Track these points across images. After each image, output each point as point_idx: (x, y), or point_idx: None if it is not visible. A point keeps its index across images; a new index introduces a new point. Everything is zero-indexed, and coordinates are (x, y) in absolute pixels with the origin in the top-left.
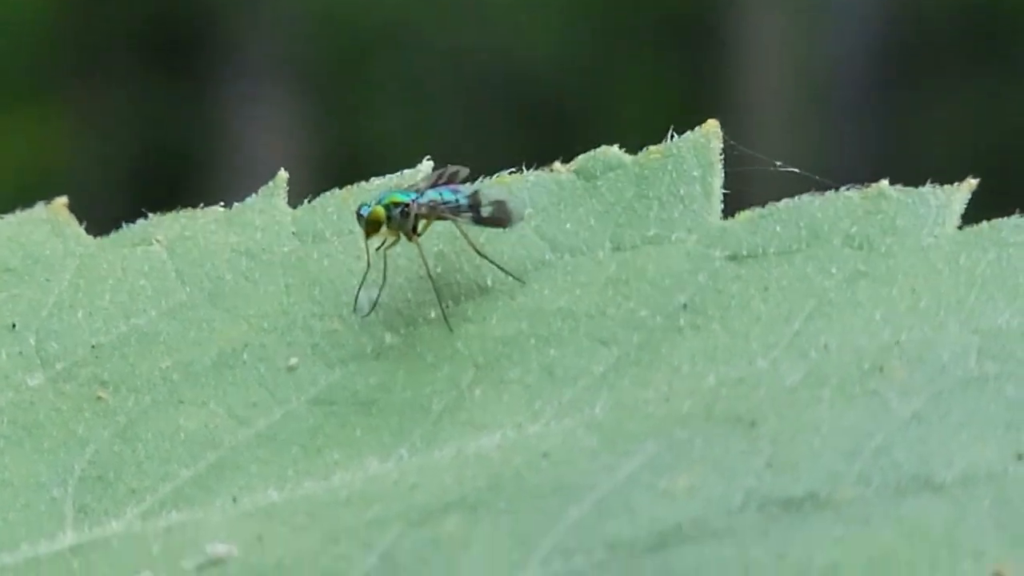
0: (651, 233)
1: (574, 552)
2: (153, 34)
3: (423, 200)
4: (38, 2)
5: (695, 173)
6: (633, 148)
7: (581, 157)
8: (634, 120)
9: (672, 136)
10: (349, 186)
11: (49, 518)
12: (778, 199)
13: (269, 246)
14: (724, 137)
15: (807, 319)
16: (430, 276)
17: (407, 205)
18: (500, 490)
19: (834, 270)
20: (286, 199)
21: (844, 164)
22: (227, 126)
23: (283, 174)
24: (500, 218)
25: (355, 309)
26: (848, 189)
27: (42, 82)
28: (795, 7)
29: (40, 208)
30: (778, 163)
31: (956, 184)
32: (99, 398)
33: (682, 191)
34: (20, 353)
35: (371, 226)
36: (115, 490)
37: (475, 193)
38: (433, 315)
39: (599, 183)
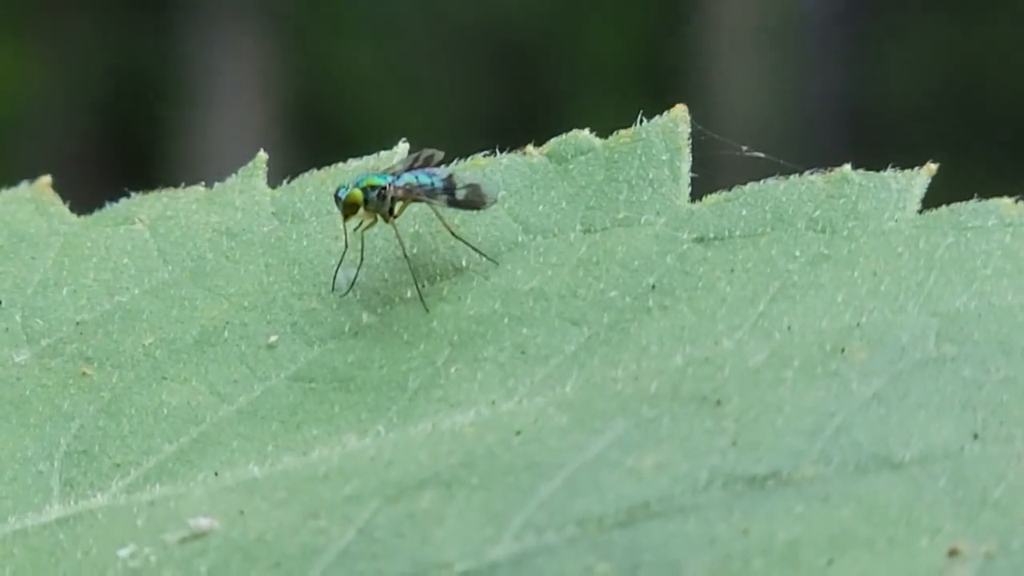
0: (621, 215)
1: (545, 528)
2: None
3: (399, 183)
4: None
5: (663, 157)
6: (604, 91)
7: (553, 140)
8: (602, 59)
9: (641, 120)
10: (327, 167)
11: (36, 491)
12: (744, 182)
13: (249, 226)
14: (691, 122)
15: (771, 301)
16: (406, 256)
17: (384, 188)
18: (473, 467)
19: (798, 253)
20: (265, 180)
21: (809, 96)
22: (196, 59)
23: (262, 155)
24: (474, 201)
25: (333, 288)
26: (812, 173)
27: (10, 13)
28: None
29: (24, 187)
30: (744, 148)
31: (916, 168)
32: (84, 374)
33: (651, 175)
34: (6, 330)
35: (349, 208)
36: (100, 464)
37: (450, 176)
38: (409, 295)
39: (570, 166)
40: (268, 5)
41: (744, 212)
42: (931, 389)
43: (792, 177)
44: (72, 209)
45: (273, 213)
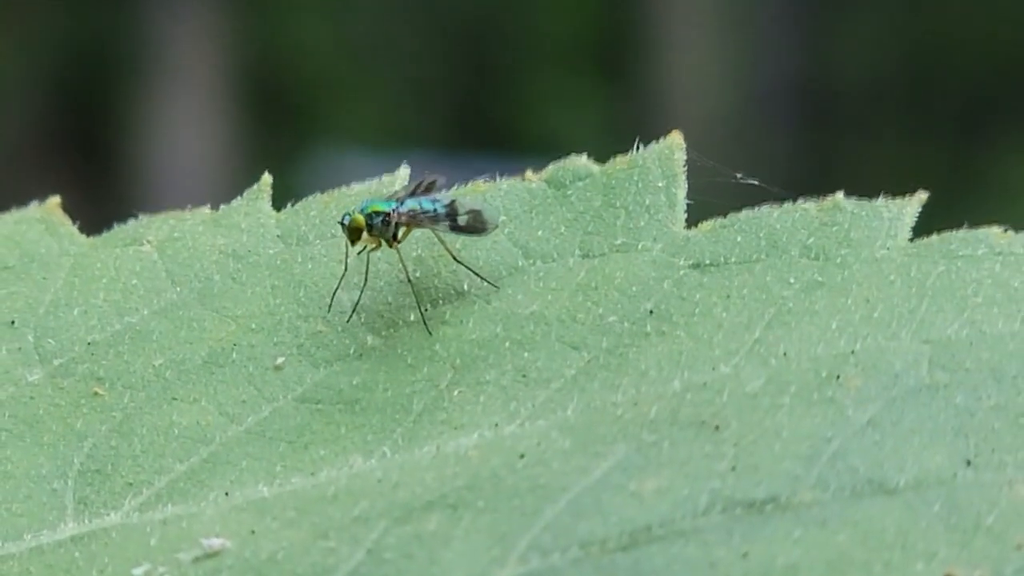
0: (619, 241)
1: (550, 550)
2: None
3: (403, 209)
4: None
5: (660, 184)
6: (557, 64)
7: (551, 167)
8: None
9: (638, 147)
10: (331, 191)
11: (51, 509)
12: (738, 209)
13: (255, 248)
14: (687, 149)
15: (767, 327)
16: (409, 280)
17: (388, 214)
18: (479, 489)
19: (792, 280)
20: (270, 202)
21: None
22: (152, 32)
23: (267, 177)
24: (476, 226)
25: (329, 308)
26: (805, 201)
27: None
28: None
29: (34, 207)
30: (738, 175)
31: (907, 197)
32: (96, 394)
33: (647, 201)
34: (19, 349)
35: (353, 234)
36: (113, 483)
37: (452, 202)
38: (412, 318)
39: (569, 192)
40: None
41: (739, 239)
42: (924, 416)
43: (786, 204)
44: (28, 187)
45: (278, 236)
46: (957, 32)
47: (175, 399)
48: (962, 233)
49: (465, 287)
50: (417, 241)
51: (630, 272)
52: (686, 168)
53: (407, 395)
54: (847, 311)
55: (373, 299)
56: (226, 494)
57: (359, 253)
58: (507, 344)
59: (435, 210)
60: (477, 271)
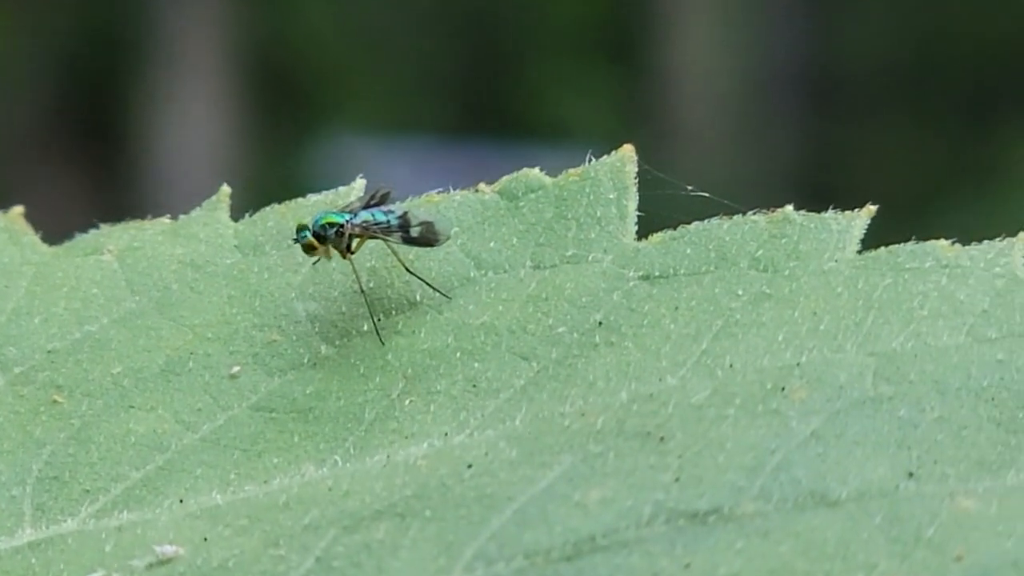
0: (569, 253)
1: (495, 559)
2: None
3: (356, 221)
4: None
5: (611, 196)
6: (563, 50)
7: (504, 179)
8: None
9: (590, 160)
10: (288, 201)
11: (9, 515)
12: (688, 221)
13: (213, 258)
14: (638, 162)
15: (714, 339)
16: (363, 291)
17: (342, 226)
18: (427, 499)
19: (740, 292)
20: (228, 212)
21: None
22: (158, 18)
23: (226, 188)
24: (428, 238)
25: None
26: (754, 213)
27: None
28: None
29: None
30: (689, 187)
31: (856, 210)
32: (55, 401)
33: (599, 213)
34: None
35: (306, 250)
36: (70, 490)
37: (405, 214)
38: (366, 328)
39: (521, 204)
40: None
41: (689, 251)
42: (868, 428)
43: (735, 217)
44: (38, 172)
45: (236, 246)
46: (963, 21)
47: (132, 407)
48: (910, 246)
49: (418, 297)
50: (371, 252)
51: (580, 283)
52: (637, 180)
53: (359, 404)
54: (794, 323)
55: (327, 309)
56: (181, 501)
57: (313, 264)
58: (458, 354)
59: (388, 222)
60: (429, 282)
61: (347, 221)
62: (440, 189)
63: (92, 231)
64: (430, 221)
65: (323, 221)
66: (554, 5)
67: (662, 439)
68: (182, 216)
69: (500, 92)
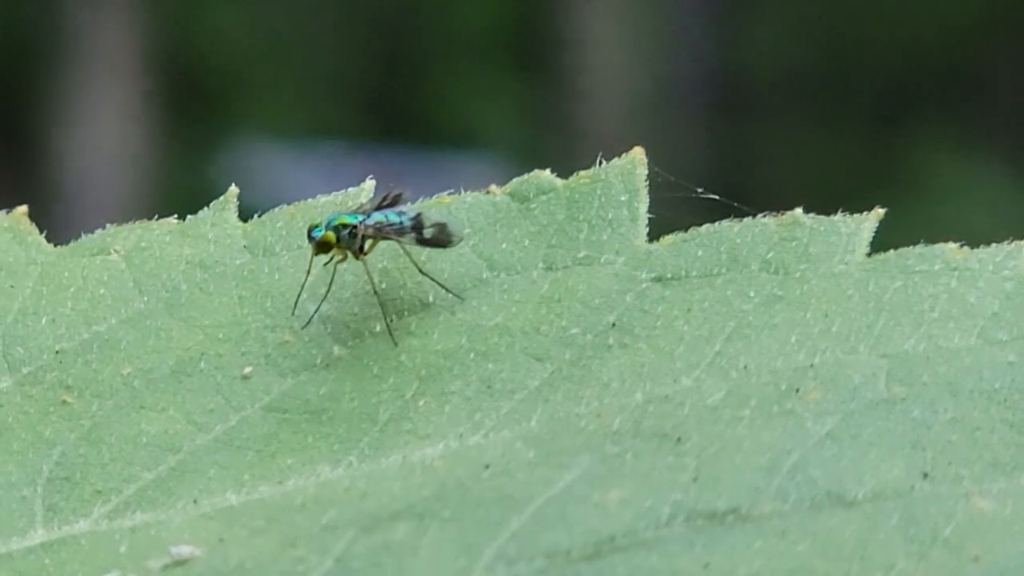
0: (581, 255)
1: (515, 560)
2: None
3: (370, 222)
4: None
5: (622, 198)
6: (473, 55)
7: (515, 180)
8: (472, 23)
9: (600, 162)
10: (298, 203)
11: (20, 516)
12: (699, 223)
13: (222, 259)
14: (649, 164)
15: (727, 340)
16: (375, 292)
17: (355, 227)
18: (445, 499)
19: (752, 293)
20: (236, 213)
21: (677, 60)
22: (70, 16)
23: (234, 189)
24: (441, 239)
25: (293, 311)
26: (764, 216)
27: None
28: None
29: (2, 216)
30: (699, 190)
31: (865, 213)
32: (64, 402)
33: (610, 215)
34: None
35: (321, 247)
36: (82, 490)
37: (418, 215)
38: (378, 329)
39: (532, 205)
40: None
41: (700, 253)
42: (882, 429)
43: (746, 219)
44: None
45: (245, 246)
46: (871, 27)
47: (143, 408)
48: (919, 249)
49: (430, 299)
50: (383, 253)
51: (593, 285)
52: (647, 183)
53: (373, 405)
54: (806, 325)
55: (339, 310)
56: (194, 502)
57: (325, 264)
58: (472, 355)
59: (401, 223)
60: (442, 283)
61: (360, 222)
62: (451, 191)
63: (98, 231)
64: (443, 223)
65: (336, 222)
66: (463, 11)
67: (679, 440)
68: (190, 217)
69: (410, 99)
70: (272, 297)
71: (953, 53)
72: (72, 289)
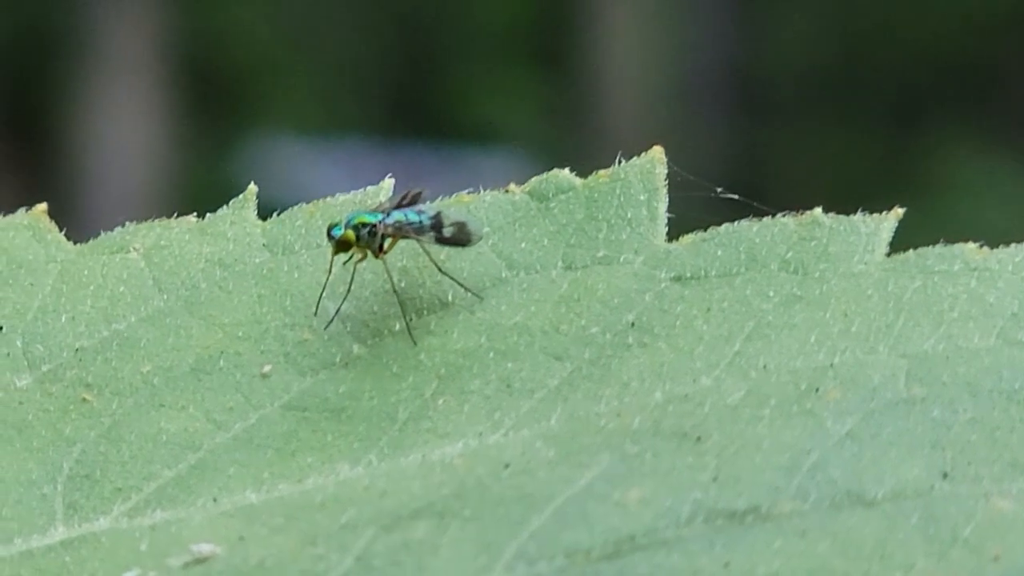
0: (600, 254)
1: (536, 559)
2: None
3: (389, 221)
4: None
5: (641, 197)
6: (491, 50)
7: (534, 179)
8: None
9: (619, 161)
10: (316, 201)
11: (40, 514)
12: (718, 222)
13: (241, 257)
14: (668, 163)
15: (747, 340)
16: (395, 291)
17: (375, 225)
18: (465, 498)
19: (771, 293)
20: (256, 211)
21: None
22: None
23: (252, 187)
24: (461, 238)
25: (316, 312)
26: (784, 215)
27: None
28: None
29: (21, 213)
30: (718, 189)
31: (884, 212)
32: (84, 400)
33: (629, 214)
34: (8, 355)
35: (341, 246)
36: (102, 488)
37: (438, 214)
38: (398, 327)
39: (551, 205)
40: None
41: (719, 252)
42: (902, 429)
43: (765, 219)
44: None
45: (264, 245)
46: (891, 24)
47: (163, 406)
48: (938, 249)
49: (450, 297)
50: (402, 251)
51: (612, 284)
52: (667, 182)
53: (392, 403)
54: (825, 325)
55: (359, 308)
56: (214, 500)
57: (344, 263)
58: (491, 354)
59: (421, 222)
60: (461, 282)
61: (380, 221)
62: (470, 190)
63: (117, 229)
64: (463, 221)
65: (356, 221)
66: (484, 7)
67: (699, 439)
68: (208, 215)
69: (431, 95)
70: (291, 295)
71: (972, 50)
72: (92, 287)
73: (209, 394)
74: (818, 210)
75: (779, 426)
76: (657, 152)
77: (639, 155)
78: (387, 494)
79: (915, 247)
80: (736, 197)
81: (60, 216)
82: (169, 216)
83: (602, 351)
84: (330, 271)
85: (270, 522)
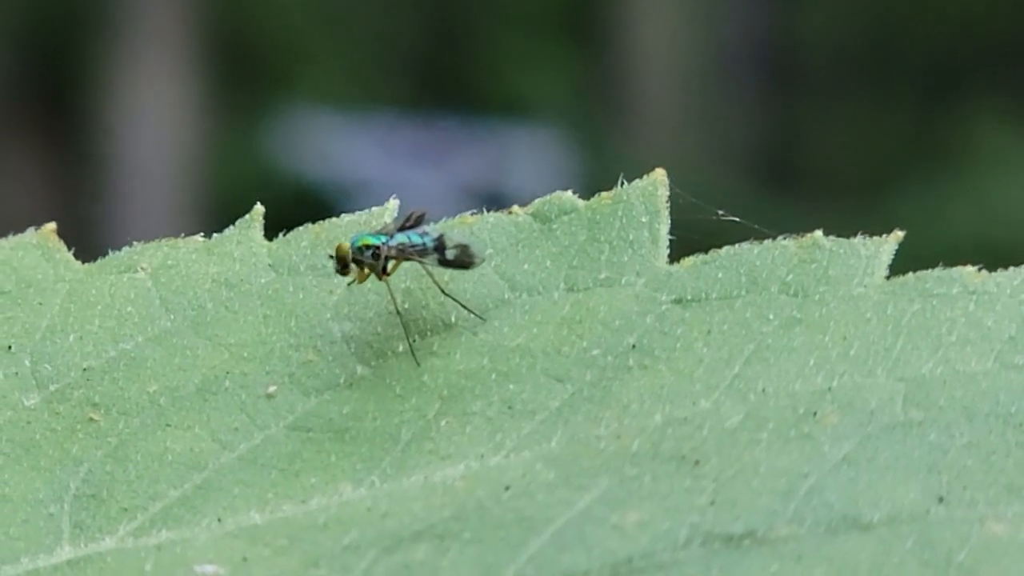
0: (602, 276)
1: None
2: None
3: (393, 243)
4: None
5: (643, 219)
6: (524, 28)
7: (537, 201)
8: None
9: (622, 183)
10: (321, 222)
11: (47, 533)
12: (719, 245)
13: (247, 277)
14: (670, 186)
15: (746, 363)
16: (398, 312)
17: (378, 248)
18: (465, 520)
19: (771, 316)
20: (262, 232)
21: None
22: None
23: (259, 207)
24: (464, 260)
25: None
26: (784, 238)
27: None
28: None
29: (30, 233)
30: (720, 212)
31: (884, 236)
32: (91, 419)
33: (631, 236)
34: (16, 374)
35: (344, 268)
36: (108, 508)
37: (441, 237)
38: (401, 348)
39: (554, 226)
40: None
41: (720, 275)
42: (898, 453)
43: (766, 242)
44: None
45: (270, 265)
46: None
47: (169, 425)
48: (937, 272)
49: (453, 319)
50: (406, 273)
51: (613, 306)
52: (668, 204)
53: (395, 425)
54: (824, 348)
55: (363, 329)
56: (219, 520)
57: (348, 285)
58: (493, 376)
59: (424, 244)
60: (464, 303)
61: (384, 243)
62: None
63: (125, 248)
64: (465, 244)
65: (360, 243)
66: None
67: (697, 462)
68: (215, 235)
69: (462, 67)
70: (296, 316)
71: (1004, 25)
72: (99, 307)
73: (215, 414)
74: (818, 233)
75: (777, 450)
76: (659, 175)
77: (642, 177)
78: (389, 515)
79: (946, 218)
80: (737, 220)
81: (93, 191)
82: (200, 189)
83: (603, 373)
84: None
85: (274, 543)
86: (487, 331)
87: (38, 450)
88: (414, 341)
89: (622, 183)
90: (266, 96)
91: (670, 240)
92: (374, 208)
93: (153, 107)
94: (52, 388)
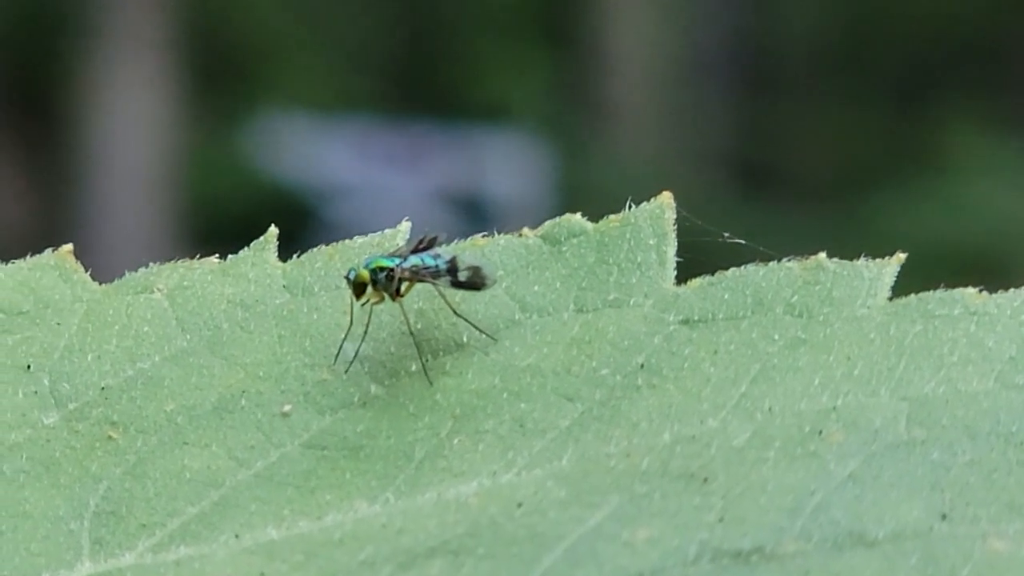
0: (611, 297)
1: None
2: None
3: (406, 265)
4: None
5: (651, 242)
6: (500, 28)
7: (547, 223)
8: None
9: (630, 206)
10: (335, 244)
11: (67, 549)
12: (725, 267)
13: (262, 298)
14: (677, 208)
15: (753, 382)
16: (411, 332)
17: (392, 270)
18: (479, 536)
19: (776, 336)
20: (276, 253)
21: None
22: None
23: (273, 229)
24: (476, 282)
25: (336, 359)
26: (789, 260)
27: None
28: None
29: (48, 254)
30: (726, 234)
31: (887, 258)
32: (110, 437)
33: (639, 258)
34: (35, 393)
35: (358, 289)
36: (127, 524)
37: (453, 259)
38: (414, 368)
39: (564, 248)
40: None
41: (726, 296)
42: (902, 470)
43: (771, 263)
44: None
45: (284, 286)
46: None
47: (186, 443)
48: (939, 293)
49: (465, 339)
50: (418, 294)
51: (622, 327)
52: (675, 227)
53: (409, 443)
54: (829, 368)
55: (376, 349)
56: (236, 536)
57: (362, 306)
58: (505, 395)
59: (437, 266)
60: (476, 324)
61: (397, 265)
62: (484, 233)
63: (141, 269)
64: (477, 266)
65: (374, 265)
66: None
67: (705, 480)
68: (231, 256)
69: (437, 71)
70: (311, 336)
71: (978, 27)
72: (117, 327)
73: (231, 432)
74: (822, 255)
75: (783, 468)
76: (666, 198)
77: (649, 200)
78: (404, 532)
79: (921, 221)
80: (743, 242)
81: (71, 191)
82: (178, 190)
83: (612, 392)
84: (351, 320)
85: (290, 559)
86: (498, 351)
87: (58, 468)
88: (427, 361)
89: (630, 206)
90: (243, 100)
91: (677, 262)
92: (386, 230)
93: (131, 110)
94: (71, 407)
